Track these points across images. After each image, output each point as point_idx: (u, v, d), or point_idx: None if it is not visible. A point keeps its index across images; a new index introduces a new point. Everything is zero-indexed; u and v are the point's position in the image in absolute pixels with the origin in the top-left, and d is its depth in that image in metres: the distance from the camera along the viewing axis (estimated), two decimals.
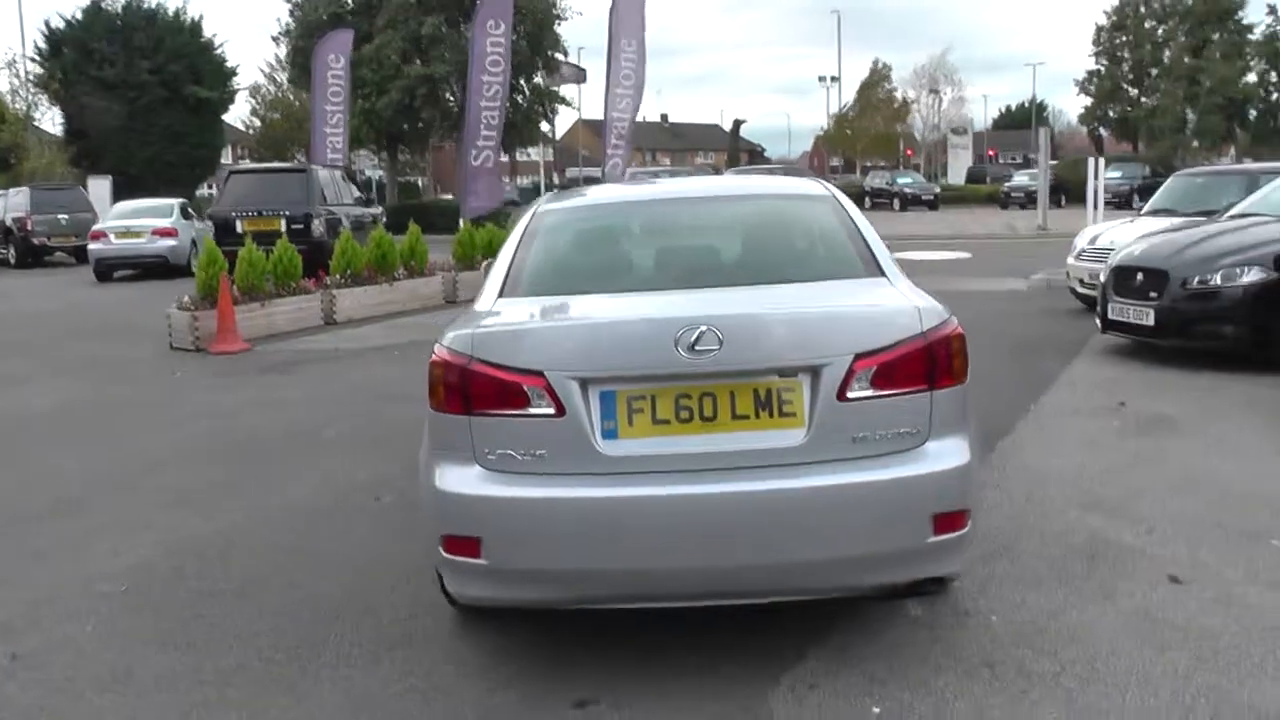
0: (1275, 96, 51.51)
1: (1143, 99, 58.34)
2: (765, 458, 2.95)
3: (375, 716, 3.14)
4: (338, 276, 11.87)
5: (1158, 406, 6.73)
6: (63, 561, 4.61)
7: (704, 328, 2.92)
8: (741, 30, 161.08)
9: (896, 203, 41.63)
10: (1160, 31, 56.63)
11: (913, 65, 63.26)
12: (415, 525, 4.72)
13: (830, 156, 68.11)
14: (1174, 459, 5.58)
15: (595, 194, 4.40)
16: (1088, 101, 61.80)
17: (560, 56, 32.66)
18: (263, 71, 58.21)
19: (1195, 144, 51.03)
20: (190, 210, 19.43)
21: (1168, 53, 55.68)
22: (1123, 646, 3.41)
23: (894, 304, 3.17)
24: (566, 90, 34.49)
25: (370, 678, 3.39)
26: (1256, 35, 51.22)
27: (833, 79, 66.00)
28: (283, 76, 41.41)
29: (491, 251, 14.22)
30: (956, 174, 57.03)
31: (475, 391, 3.00)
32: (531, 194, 49.75)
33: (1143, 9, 57.78)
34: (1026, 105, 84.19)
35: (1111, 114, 60.19)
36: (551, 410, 2.95)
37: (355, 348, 10.25)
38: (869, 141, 63.82)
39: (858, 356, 2.97)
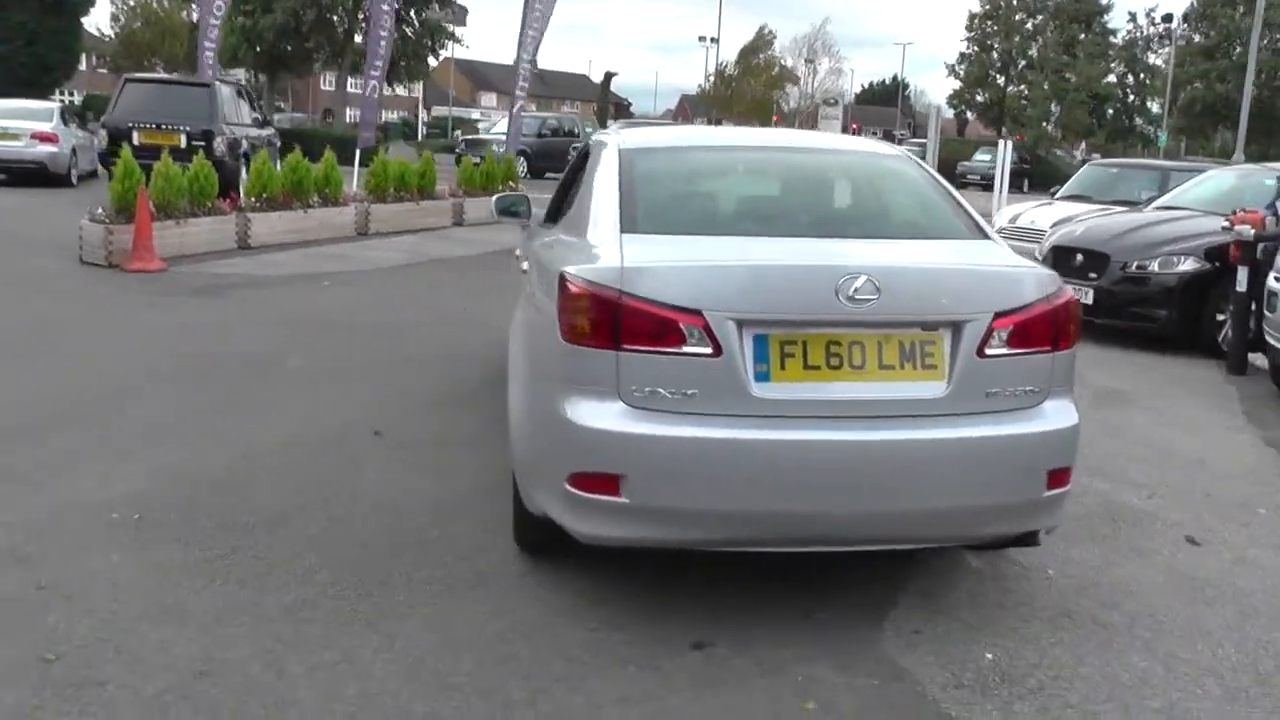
0: (1131, 98, 54.79)
1: (1009, 87, 60.90)
2: (908, 408, 3.01)
3: (481, 658, 3.04)
4: (252, 199, 11.25)
5: (1106, 380, 7.10)
6: (49, 487, 4.25)
7: (864, 277, 2.93)
8: None
9: None
10: (1030, 25, 59.15)
11: (791, 34, 63.84)
12: (447, 463, 4.70)
13: (695, 117, 68.35)
14: (1138, 430, 5.90)
15: (677, 136, 4.31)
16: (956, 84, 64.07)
17: None
18: None
19: (1059, 135, 53.67)
20: (68, 115, 17.94)
21: (1035, 46, 58.21)
22: (1174, 601, 3.63)
23: (1024, 267, 3.26)
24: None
25: (458, 617, 3.27)
26: (1118, 39, 54.25)
27: (713, 40, 66.44)
28: None
29: (405, 184, 13.80)
30: None
31: (627, 327, 2.91)
32: (400, 130, 48.20)
33: (1015, 1, 60.13)
34: (888, 82, 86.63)
35: (979, 99, 62.53)
36: (708, 350, 2.90)
37: (280, 274, 9.77)
38: (746, 105, 64.46)
39: (997, 315, 3.05)
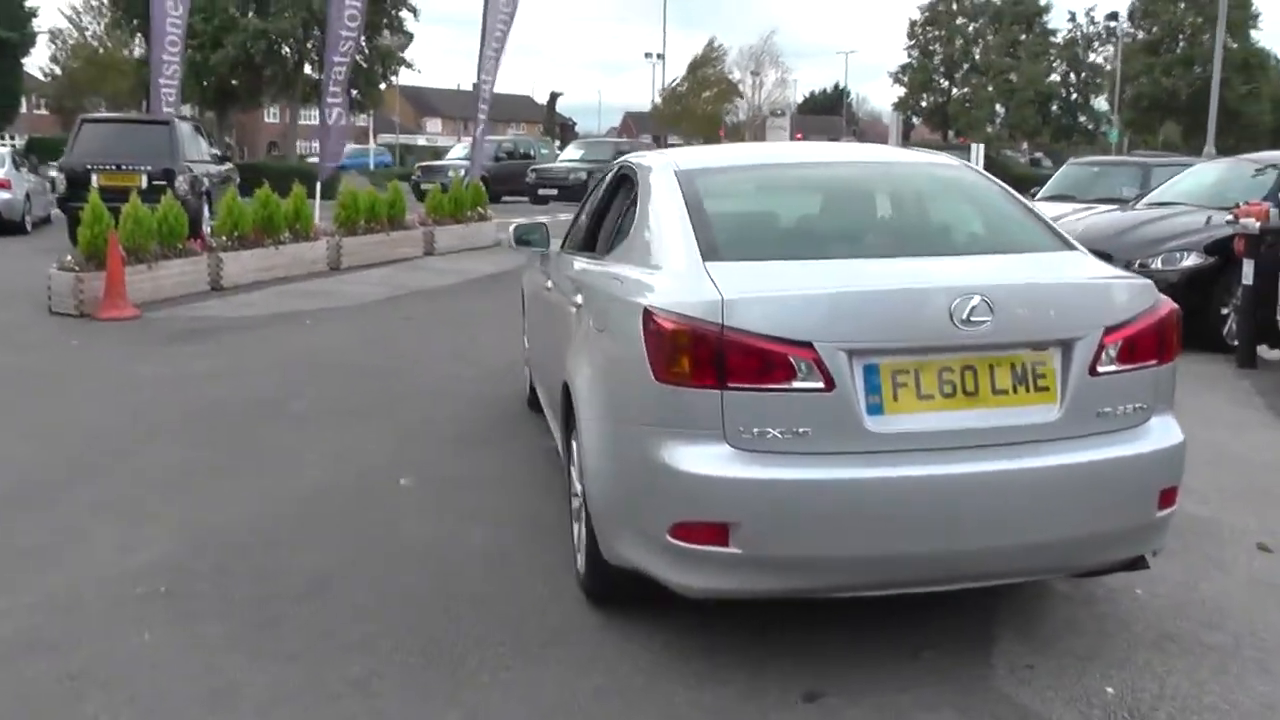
0: (1074, 96, 55.84)
1: (953, 91, 61.81)
2: (1025, 434, 2.85)
3: None
4: (223, 238, 10.90)
5: None
6: (63, 560, 3.97)
7: (978, 297, 2.76)
8: (554, 3, 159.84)
9: None
10: (971, 29, 60.13)
11: (738, 47, 64.18)
12: (482, 508, 4.46)
13: (639, 134, 68.18)
14: None
15: (729, 155, 4.12)
16: (901, 91, 64.87)
17: (407, 15, 31.25)
18: (65, 15, 53.09)
19: (1006, 135, 54.58)
20: (19, 160, 17.33)
21: (977, 49, 59.17)
22: (1271, 617, 3.49)
23: (1127, 278, 3.12)
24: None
25: (542, 681, 3.04)
26: (1059, 39, 55.34)
27: (658, 56, 66.66)
28: (88, 19, 37.82)
29: (375, 215, 13.49)
30: None
31: (733, 363, 2.71)
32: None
33: (955, 5, 61.10)
34: (829, 91, 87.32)
35: (924, 104, 63.36)
36: (820, 384, 2.72)
37: (259, 315, 9.46)
38: (695, 121, 64.56)
39: (1107, 330, 2.90)
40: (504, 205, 22.98)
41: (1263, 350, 7.39)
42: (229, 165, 15.72)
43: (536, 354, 5.41)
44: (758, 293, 2.81)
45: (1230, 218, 7.28)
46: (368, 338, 8.61)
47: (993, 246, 3.26)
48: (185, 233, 10.22)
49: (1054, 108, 57.57)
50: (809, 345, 2.71)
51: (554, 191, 27.39)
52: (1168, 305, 3.06)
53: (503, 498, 4.67)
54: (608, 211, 4.40)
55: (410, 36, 34.19)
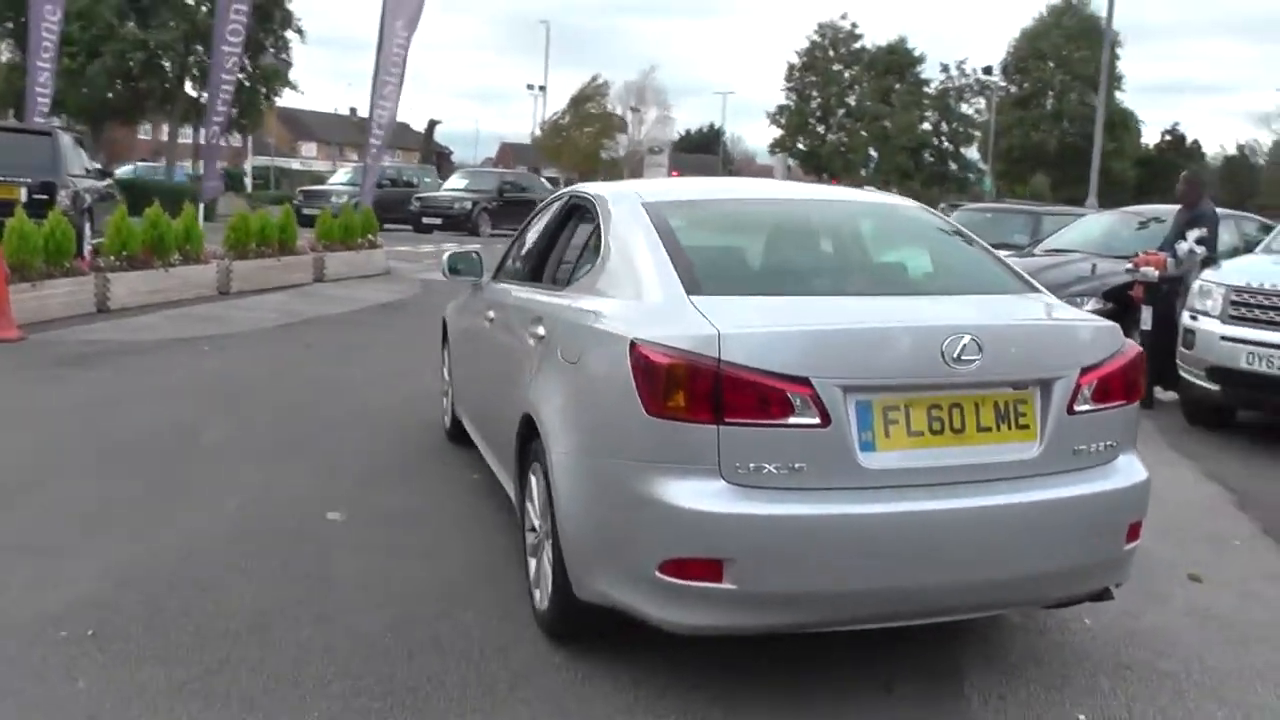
0: (945, 145, 58.43)
1: (828, 135, 63.84)
2: (1007, 470, 2.91)
3: None
4: (111, 258, 10.35)
5: None
6: None
7: (969, 337, 2.82)
8: (434, 31, 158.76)
9: None
10: (847, 75, 62.31)
11: (622, 81, 64.74)
12: (423, 543, 4.30)
13: (516, 165, 67.97)
14: None
15: (690, 188, 4.11)
16: (778, 132, 66.63)
17: (294, 35, 30.45)
18: None
19: (880, 181, 56.53)
20: None
21: (853, 96, 61.34)
22: (1212, 644, 3.64)
23: (1095, 320, 3.24)
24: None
25: None
26: (931, 90, 57.87)
27: (540, 88, 66.72)
28: None
29: (265, 239, 13.06)
30: None
31: (730, 399, 2.69)
32: (226, 182, 45.79)
33: (831, 52, 63.25)
34: (705, 130, 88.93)
35: (801, 146, 65.18)
36: (816, 420, 2.72)
37: (153, 339, 9.00)
38: (575, 154, 64.82)
39: (1083, 370, 3.00)
40: (385, 233, 22.52)
41: (1160, 393, 7.77)
42: (109, 182, 14.95)
43: (467, 386, 5.27)
44: (753, 328, 2.81)
45: (1130, 266, 7.67)
46: (272, 366, 8.29)
47: (968, 287, 3.34)
48: (73, 250, 9.67)
49: (926, 155, 60.03)
50: (806, 381, 2.72)
51: (438, 221, 27.11)
52: (1134, 347, 3.19)
53: (439, 533, 4.53)
54: (556, 242, 4.35)
55: (289, 63, 33.40)
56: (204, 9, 28.20)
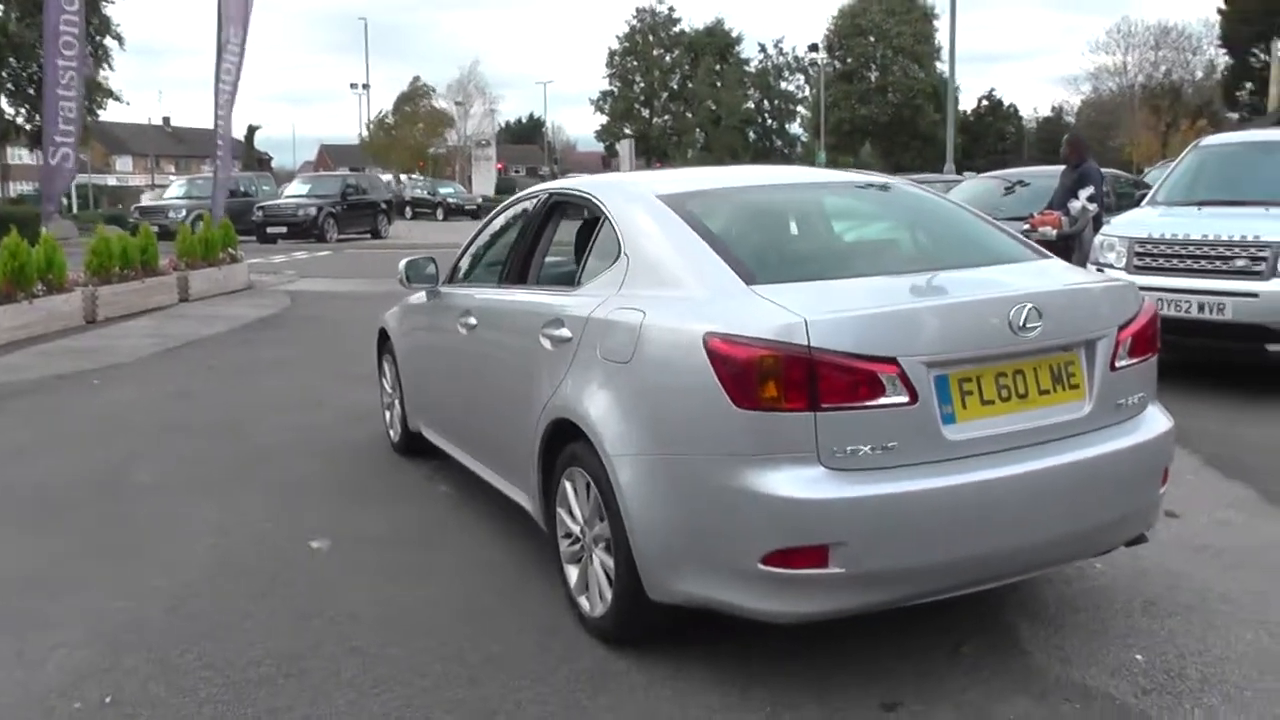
0: (770, 122, 60.03)
1: (655, 119, 64.62)
2: (1065, 429, 3.04)
3: None
4: None
5: None
6: None
7: (1030, 305, 2.92)
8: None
9: (440, 212, 41.63)
10: (668, 59, 63.17)
11: (445, 80, 63.75)
12: (427, 565, 4.13)
13: (337, 167, 65.81)
14: None
15: (694, 179, 4.04)
16: (603, 119, 67.01)
17: (113, 42, 28.52)
18: None
19: (713, 160, 57.65)
20: None
21: (675, 78, 62.27)
22: (1211, 574, 3.90)
23: (1119, 280, 3.42)
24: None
25: None
26: (752, 69, 59.34)
27: (364, 86, 64.94)
28: None
29: (128, 261, 12.27)
30: (483, 185, 55.38)
31: (824, 384, 2.70)
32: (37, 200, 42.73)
33: (651, 38, 63.96)
34: (525, 120, 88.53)
35: (628, 131, 65.61)
36: (905, 398, 2.77)
37: (33, 378, 8.30)
38: (404, 152, 63.46)
39: (1120, 328, 3.15)
40: None
41: None
42: None
43: (438, 398, 5.08)
44: (836, 312, 2.82)
45: (1027, 227, 8.05)
46: (175, 394, 7.80)
47: (998, 257, 3.43)
48: None
49: (751, 133, 61.54)
50: (893, 360, 2.76)
51: (283, 229, 26.09)
52: (1150, 303, 3.38)
53: (432, 551, 4.38)
54: (539, 242, 4.25)
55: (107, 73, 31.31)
56: (13, 19, 26.13)
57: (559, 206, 4.21)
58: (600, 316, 3.36)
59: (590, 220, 3.90)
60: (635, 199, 3.65)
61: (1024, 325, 2.91)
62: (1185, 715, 2.90)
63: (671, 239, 3.33)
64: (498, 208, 5.06)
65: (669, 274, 3.26)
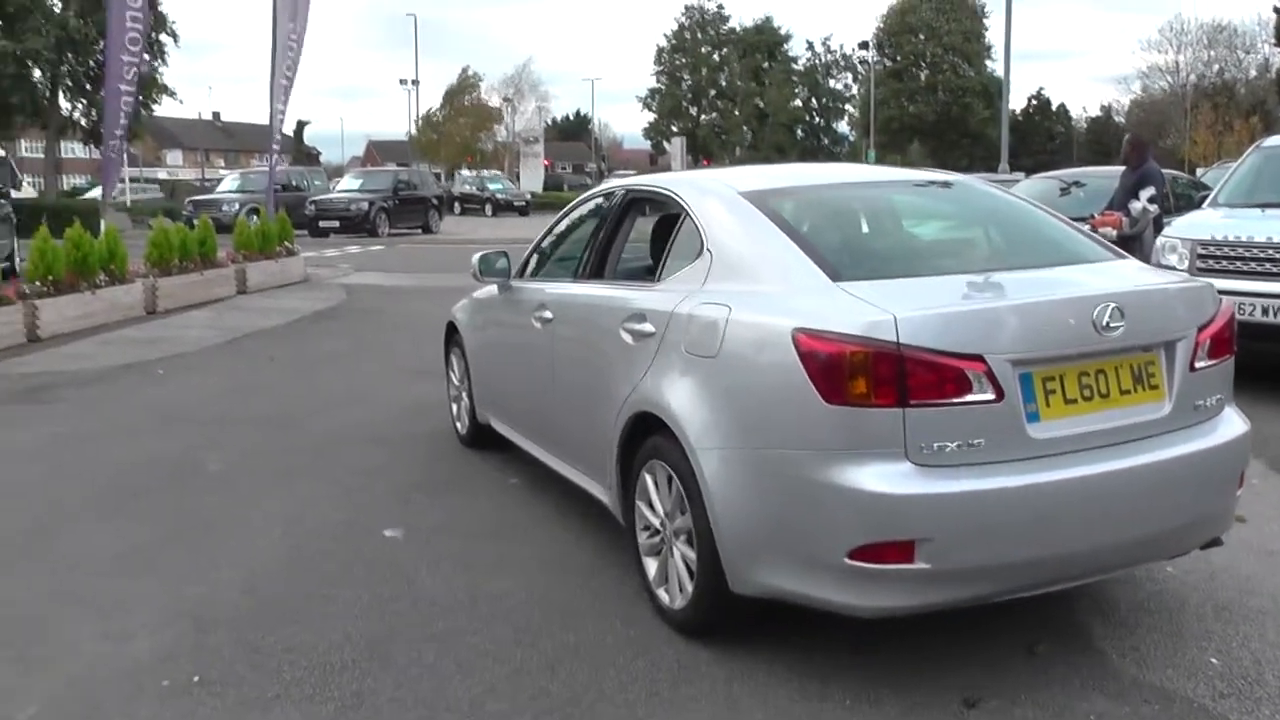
0: (817, 120, 59.77)
1: (702, 117, 64.53)
2: (1145, 430, 3.05)
3: None
4: (37, 284, 9.76)
5: None
6: (46, 660, 3.41)
7: (1113, 305, 2.94)
8: None
9: (489, 208, 41.93)
10: (716, 57, 63.07)
11: (492, 74, 64.07)
12: (497, 555, 4.20)
13: (384, 162, 66.40)
14: None
15: (772, 176, 4.09)
16: (650, 117, 67.02)
17: (168, 39, 29.00)
18: None
19: (761, 158, 57.51)
20: None
21: (723, 76, 62.16)
22: (1271, 573, 3.89)
23: (1197, 281, 3.40)
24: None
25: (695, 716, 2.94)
26: (800, 67, 59.15)
27: (413, 82, 65.41)
28: None
29: (187, 254, 12.53)
30: (531, 181, 56.23)
31: (914, 381, 2.73)
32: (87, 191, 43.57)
33: (700, 35, 63.87)
34: (572, 118, 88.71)
35: (675, 129, 65.59)
36: (991, 396, 2.79)
37: (99, 368, 8.54)
38: (452, 148, 63.91)
39: (1199, 329, 3.15)
40: None
41: None
42: (3, 202, 14.03)
43: (511, 390, 5.16)
44: (924, 309, 2.86)
45: (1089, 228, 7.96)
46: (238, 385, 7.97)
47: (1076, 257, 3.45)
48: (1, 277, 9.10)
49: (799, 131, 61.33)
50: (980, 358, 2.79)
51: (335, 224, 26.44)
52: (1228, 304, 3.37)
53: (506, 542, 4.45)
54: (616, 238, 4.31)
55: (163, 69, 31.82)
56: (72, 15, 26.62)
57: (636, 203, 4.26)
58: (684, 311, 3.41)
59: (669, 216, 3.96)
60: (717, 195, 3.70)
61: (1107, 325, 2.92)
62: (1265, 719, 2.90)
63: (756, 235, 3.38)
64: (569, 205, 5.13)
65: (754, 270, 3.30)
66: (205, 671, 3.32)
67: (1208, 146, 48.32)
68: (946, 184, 4.01)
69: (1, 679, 3.28)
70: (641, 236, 4.33)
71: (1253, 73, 55.43)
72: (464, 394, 5.84)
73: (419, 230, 28.20)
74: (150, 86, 27.20)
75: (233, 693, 3.19)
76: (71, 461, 5.80)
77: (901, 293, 2.98)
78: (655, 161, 66.49)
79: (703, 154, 62.31)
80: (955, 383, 2.76)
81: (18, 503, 5.09)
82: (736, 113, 61.58)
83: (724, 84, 64.13)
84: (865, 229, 3.76)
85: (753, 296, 3.19)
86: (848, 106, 59.36)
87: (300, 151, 73.84)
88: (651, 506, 3.56)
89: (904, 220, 3.91)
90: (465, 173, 54.04)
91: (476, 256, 5.14)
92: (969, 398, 2.78)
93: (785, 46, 60.29)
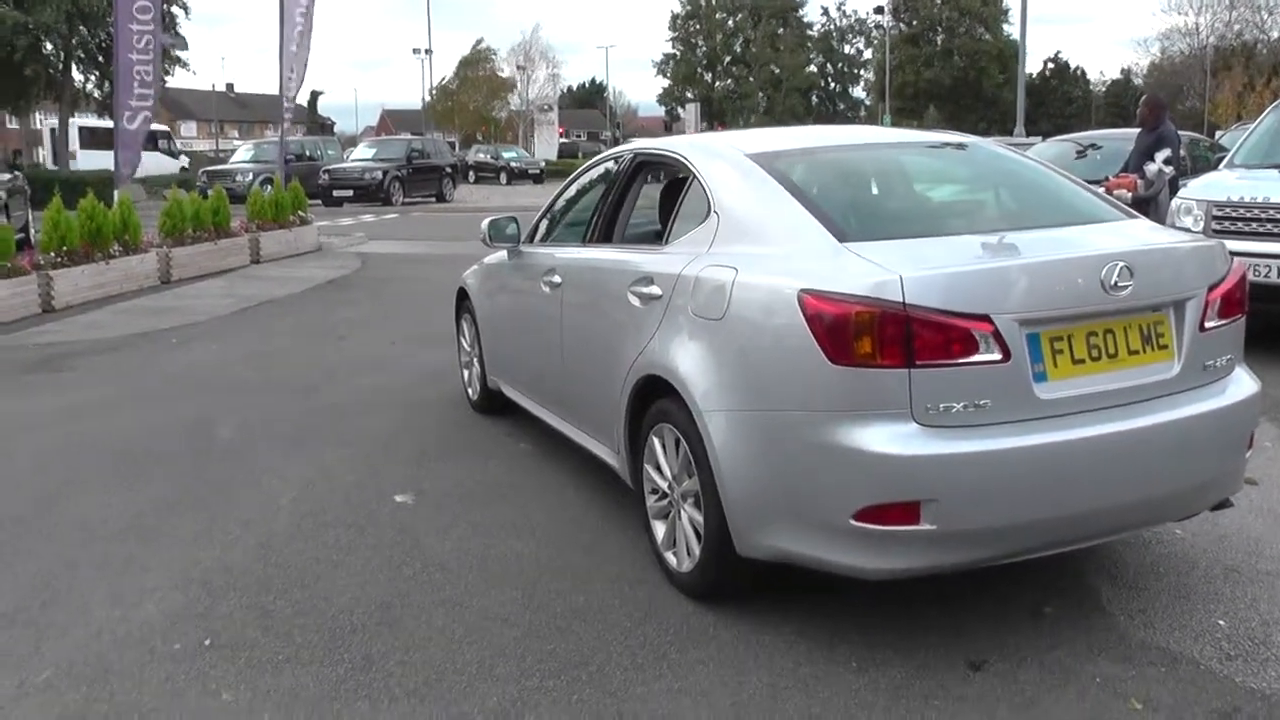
0: (833, 85, 59.27)
1: (717, 83, 64.05)
2: (1154, 390, 3.02)
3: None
4: (51, 254, 9.81)
5: None
6: (58, 624, 3.45)
7: (1122, 264, 2.90)
8: None
9: (503, 176, 41.77)
10: (731, 23, 62.50)
11: (506, 43, 63.75)
12: (511, 520, 4.23)
13: (398, 131, 66.12)
14: None
15: (778, 139, 4.06)
16: (664, 83, 66.56)
17: (179, 11, 28.98)
18: None
19: (777, 124, 57.08)
20: None
21: (738, 42, 61.65)
22: None
23: (1208, 240, 3.35)
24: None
25: (706, 683, 2.95)
26: (814, 33, 58.61)
27: (427, 51, 65.09)
28: None
29: (200, 223, 12.55)
30: (545, 150, 55.54)
31: (920, 341, 2.71)
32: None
33: (714, 0, 63.26)
34: (587, 85, 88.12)
35: (690, 95, 65.15)
36: (998, 356, 2.77)
37: (113, 336, 8.60)
38: (466, 116, 63.78)
39: (1209, 288, 3.11)
40: None
41: None
42: (15, 175, 14.07)
43: (521, 355, 5.16)
44: (931, 269, 2.83)
45: (1103, 190, 7.89)
46: (252, 352, 8.01)
47: (1085, 216, 3.41)
48: (13, 250, 9.14)
49: (814, 97, 60.85)
50: (987, 318, 2.77)
51: (349, 193, 26.44)
52: (1239, 263, 3.33)
53: (516, 507, 4.47)
54: (625, 201, 4.29)
55: (183, 37, 31.74)
56: None
57: (644, 166, 4.24)
58: (691, 274, 3.39)
59: (677, 180, 3.94)
60: (725, 158, 3.67)
61: (1115, 284, 2.89)
62: (1271, 682, 2.89)
63: (763, 197, 3.35)
64: (579, 169, 5.11)
65: (761, 232, 3.28)
66: (216, 635, 3.35)
67: (1227, 109, 47.66)
68: (961, 145, 3.97)
69: (15, 644, 3.32)
70: (650, 200, 4.31)
71: (1274, 34, 54.56)
72: (475, 359, 5.85)
73: (433, 199, 28.17)
74: (165, 59, 27.16)
75: (244, 656, 3.22)
76: (86, 429, 5.85)
77: (908, 253, 2.95)
78: (669, 128, 66.05)
79: (717, 120, 61.93)
80: (962, 343, 2.74)
81: (32, 470, 5.14)
82: (751, 79, 61.07)
83: (739, 50, 63.58)
84: (874, 190, 3.72)
85: (759, 258, 3.17)
86: (863, 72, 58.85)
87: (314, 121, 73.70)
88: (659, 470, 3.56)
89: (914, 182, 3.87)
90: (482, 145, 53.87)
91: (486, 222, 5.13)
92: (975, 358, 2.76)
93: (800, 12, 59.83)
